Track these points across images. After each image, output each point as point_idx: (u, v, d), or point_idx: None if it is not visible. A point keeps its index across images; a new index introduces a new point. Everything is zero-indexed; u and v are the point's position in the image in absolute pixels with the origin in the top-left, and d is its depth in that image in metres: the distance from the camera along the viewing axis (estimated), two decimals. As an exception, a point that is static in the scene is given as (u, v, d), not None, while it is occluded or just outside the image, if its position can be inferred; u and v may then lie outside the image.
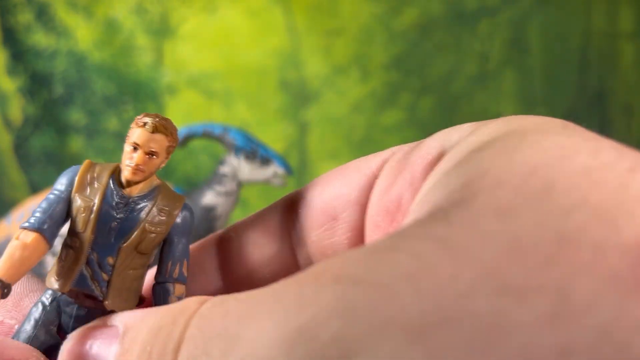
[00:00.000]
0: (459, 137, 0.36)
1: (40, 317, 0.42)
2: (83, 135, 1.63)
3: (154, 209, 0.42)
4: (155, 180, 0.43)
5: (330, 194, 0.44)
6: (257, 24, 1.68)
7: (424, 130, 1.87)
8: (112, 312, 0.42)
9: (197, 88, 1.69)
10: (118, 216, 0.41)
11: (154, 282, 0.44)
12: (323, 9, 1.71)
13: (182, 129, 1.01)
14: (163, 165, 0.43)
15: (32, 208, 0.42)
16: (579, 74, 1.70)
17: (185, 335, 0.28)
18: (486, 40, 1.70)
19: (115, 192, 0.42)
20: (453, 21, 1.71)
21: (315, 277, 0.25)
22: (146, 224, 0.42)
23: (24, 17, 1.63)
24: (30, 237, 0.40)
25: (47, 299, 0.42)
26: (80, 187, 0.42)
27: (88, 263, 0.41)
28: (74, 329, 0.42)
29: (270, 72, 1.72)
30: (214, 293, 0.41)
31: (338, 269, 0.25)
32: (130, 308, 0.42)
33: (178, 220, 0.43)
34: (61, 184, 0.43)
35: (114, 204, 0.41)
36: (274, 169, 1.03)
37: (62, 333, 0.42)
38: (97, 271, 0.41)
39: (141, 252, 0.42)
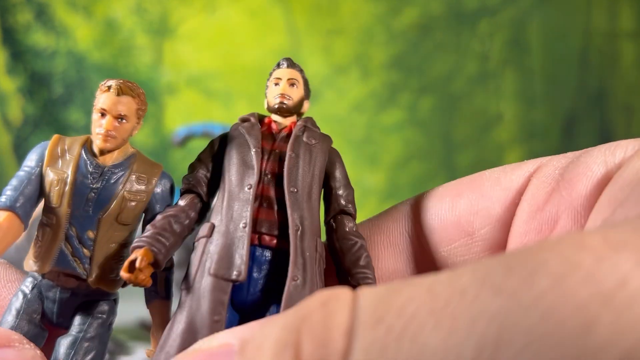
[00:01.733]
0: (622, 156, 0.34)
1: (21, 307, 0.39)
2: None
3: (132, 177, 0.40)
4: (129, 148, 0.41)
5: (465, 208, 0.41)
6: (257, 23, 1.68)
7: (424, 129, 1.85)
8: (98, 292, 0.39)
9: (197, 88, 1.69)
10: (94, 186, 0.39)
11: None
12: (323, 9, 1.70)
13: (182, 128, 1.01)
14: (136, 131, 0.41)
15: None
16: (579, 74, 1.70)
17: (356, 322, 0.23)
18: (486, 40, 1.70)
19: (88, 161, 0.40)
20: (453, 21, 1.71)
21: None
22: (125, 193, 0.40)
23: (24, 16, 1.62)
24: (2, 216, 0.38)
25: (27, 287, 0.40)
26: (51, 161, 0.39)
27: (67, 239, 0.39)
28: (58, 314, 0.40)
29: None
30: None
31: None
32: (116, 286, 0.40)
33: (158, 189, 0.41)
34: (31, 159, 0.40)
35: (88, 174, 0.39)
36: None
37: (46, 322, 0.40)
38: (77, 247, 0.39)
39: (122, 223, 0.40)
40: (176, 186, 0.43)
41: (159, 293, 0.41)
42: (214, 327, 0.35)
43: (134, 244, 0.38)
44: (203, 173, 0.42)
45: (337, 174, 0.43)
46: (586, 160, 0.36)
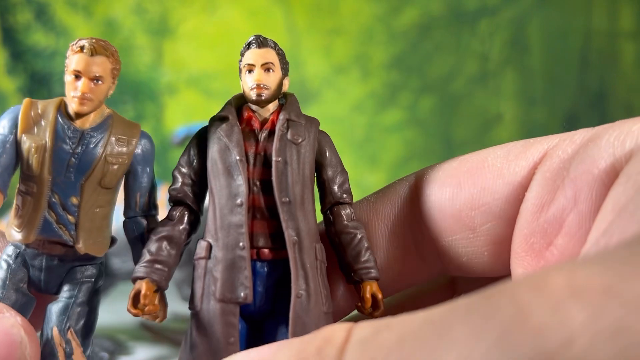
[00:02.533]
0: (632, 147, 0.31)
1: (6, 277, 0.39)
2: (83, 135, 1.62)
3: (112, 139, 0.39)
4: (106, 109, 0.40)
5: (466, 202, 0.39)
6: (257, 23, 1.68)
7: (424, 129, 1.85)
8: (85, 256, 0.39)
9: (197, 88, 1.68)
10: (74, 151, 0.38)
11: (124, 218, 0.41)
12: (323, 9, 1.70)
13: (181, 128, 1.01)
14: (111, 91, 0.40)
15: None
16: (580, 74, 1.70)
17: None
18: (486, 39, 1.70)
19: (66, 126, 0.38)
20: (453, 21, 1.70)
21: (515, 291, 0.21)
22: (106, 156, 0.39)
23: (24, 16, 1.62)
24: None
25: (9, 256, 0.39)
26: (26, 127, 0.38)
27: (50, 207, 0.38)
28: (46, 282, 0.40)
29: (270, 72, 1.71)
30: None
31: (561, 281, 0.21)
32: (104, 250, 0.40)
33: (138, 150, 0.40)
34: (3, 126, 0.39)
35: (67, 139, 0.38)
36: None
37: (33, 289, 0.40)
38: (61, 214, 0.38)
39: (105, 187, 0.39)
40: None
41: None
42: (230, 349, 0.36)
43: (134, 275, 0.38)
44: (187, 182, 0.41)
45: (328, 163, 0.42)
46: (593, 154, 0.33)
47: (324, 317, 0.38)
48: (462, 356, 0.20)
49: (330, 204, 0.42)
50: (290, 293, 0.38)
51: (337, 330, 0.26)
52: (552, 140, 0.37)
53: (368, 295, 0.39)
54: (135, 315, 0.37)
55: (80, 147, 0.38)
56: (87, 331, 0.39)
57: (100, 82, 0.38)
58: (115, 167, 0.39)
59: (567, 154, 0.35)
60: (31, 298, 0.40)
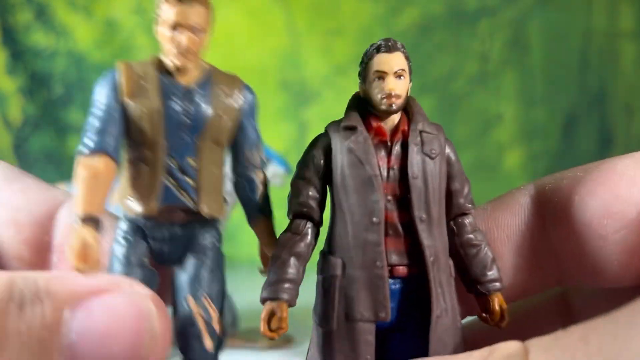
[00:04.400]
0: None
1: (128, 253, 0.37)
2: (83, 135, 1.62)
3: (218, 92, 0.38)
4: (204, 64, 0.39)
5: (598, 209, 0.38)
6: (257, 24, 1.68)
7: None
8: (205, 220, 0.38)
9: (197, 88, 1.69)
10: (185, 111, 0.36)
11: (233, 176, 0.40)
12: (323, 9, 1.70)
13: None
14: (206, 43, 0.38)
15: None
16: (580, 74, 1.69)
17: None
18: (486, 40, 1.70)
19: (172, 85, 0.37)
20: (453, 21, 1.70)
21: None
22: (218, 111, 0.37)
23: (24, 16, 1.62)
24: (99, 161, 0.35)
25: (126, 232, 0.38)
26: (130, 91, 0.36)
27: (168, 172, 0.36)
28: (169, 253, 0.38)
29: (270, 72, 1.71)
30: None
31: None
32: (223, 210, 0.38)
33: (244, 104, 0.39)
34: (104, 95, 0.36)
35: (176, 98, 0.36)
36: (273, 169, 1.02)
37: (154, 262, 0.38)
38: (181, 178, 0.37)
39: (219, 144, 0.38)
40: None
41: (262, 211, 0.40)
42: None
43: (264, 295, 0.37)
44: (313, 195, 0.39)
45: (456, 173, 0.41)
46: None
47: (459, 334, 0.39)
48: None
49: (455, 215, 0.41)
50: (419, 308, 0.38)
51: (513, 346, 0.28)
52: None
53: (497, 308, 0.39)
54: (271, 338, 0.36)
55: (191, 106, 0.37)
56: (220, 295, 0.38)
57: (201, 32, 0.37)
58: (228, 122, 0.38)
59: None
60: (154, 272, 0.38)
